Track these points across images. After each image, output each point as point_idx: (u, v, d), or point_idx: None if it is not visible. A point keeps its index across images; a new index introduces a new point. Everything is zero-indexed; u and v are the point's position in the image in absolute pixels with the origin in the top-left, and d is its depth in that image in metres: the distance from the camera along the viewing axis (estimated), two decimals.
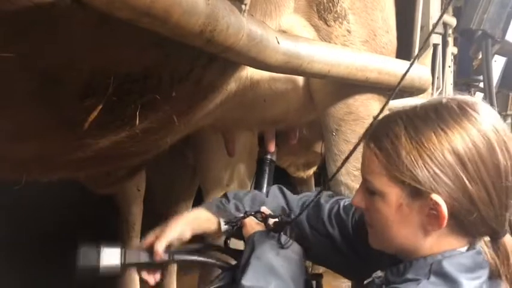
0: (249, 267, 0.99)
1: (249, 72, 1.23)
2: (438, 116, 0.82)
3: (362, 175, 0.90)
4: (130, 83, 0.84)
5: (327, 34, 1.38)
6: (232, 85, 1.20)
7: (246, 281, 0.97)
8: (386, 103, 0.87)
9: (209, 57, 0.93)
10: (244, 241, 1.13)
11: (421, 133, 0.81)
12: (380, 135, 0.86)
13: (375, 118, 0.89)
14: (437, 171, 0.79)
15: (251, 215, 1.15)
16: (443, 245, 0.84)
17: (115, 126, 0.95)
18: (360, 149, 1.43)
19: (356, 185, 1.48)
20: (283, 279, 0.98)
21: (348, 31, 1.42)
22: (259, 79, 1.28)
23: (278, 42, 1.02)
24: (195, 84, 0.99)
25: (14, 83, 0.73)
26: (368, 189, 0.87)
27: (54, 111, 0.84)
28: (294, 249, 1.07)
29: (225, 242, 1.26)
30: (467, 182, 0.80)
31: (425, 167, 0.80)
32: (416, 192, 0.81)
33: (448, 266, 0.81)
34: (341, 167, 1.09)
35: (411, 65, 0.84)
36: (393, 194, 0.83)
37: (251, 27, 0.89)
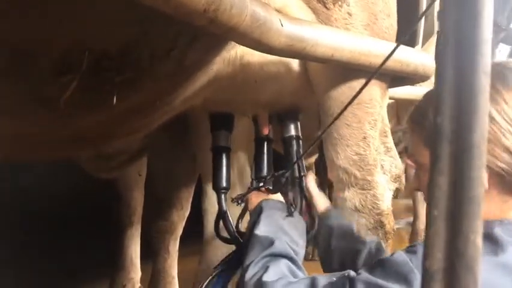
0: (260, 223, 1.07)
1: (238, 52, 1.21)
2: None
3: (409, 154, 0.98)
4: (107, 59, 0.81)
5: (326, 17, 1.35)
6: (219, 65, 1.17)
7: (259, 231, 1.04)
8: (367, 82, 0.89)
9: (192, 36, 0.91)
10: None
11: None
12: (415, 112, 0.95)
13: (354, 97, 0.93)
14: None
15: (254, 189, 1.21)
16: (504, 212, 0.84)
17: (94, 105, 0.92)
18: (358, 137, 1.44)
19: (354, 170, 1.48)
20: (291, 238, 1.06)
21: (349, 14, 1.39)
22: (249, 59, 1.26)
23: (282, 25, 1.01)
24: (177, 63, 0.96)
25: None
26: (416, 166, 0.94)
27: (29, 88, 0.82)
28: (298, 217, 1.18)
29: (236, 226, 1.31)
30: (500, 135, 0.80)
31: None
32: None
33: (500, 231, 0.81)
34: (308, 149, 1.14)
35: (397, 46, 0.83)
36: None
37: (254, 8, 0.88)
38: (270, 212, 1.12)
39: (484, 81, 0.28)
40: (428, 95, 0.95)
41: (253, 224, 1.10)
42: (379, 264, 0.84)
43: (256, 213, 1.13)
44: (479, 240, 0.27)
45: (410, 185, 1.05)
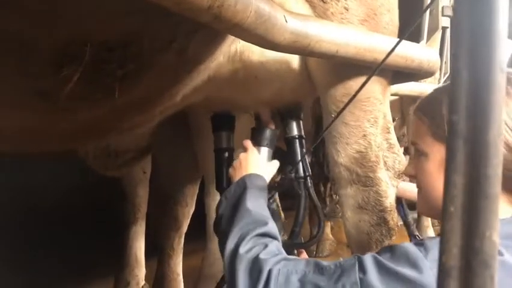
0: (247, 199, 1.10)
1: (238, 47, 1.20)
2: None
3: (412, 141, 0.99)
4: (108, 51, 0.80)
5: (323, 11, 1.33)
6: (220, 59, 1.16)
7: (251, 206, 1.07)
8: (369, 77, 0.88)
9: (192, 27, 0.90)
10: None
11: None
12: (425, 103, 0.97)
13: (357, 91, 0.92)
14: None
15: None
16: None
17: (95, 98, 0.91)
18: (358, 135, 1.41)
19: (356, 167, 1.48)
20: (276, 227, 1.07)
21: (346, 8, 1.37)
22: (249, 55, 1.25)
23: (286, 21, 1.00)
24: (178, 55, 0.95)
25: None
26: (417, 153, 0.96)
27: (30, 81, 0.81)
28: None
29: None
30: (505, 133, 0.82)
31: None
32: None
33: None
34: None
35: (398, 42, 0.82)
36: (437, 150, 0.92)
37: (259, 4, 0.88)
38: (256, 193, 1.14)
39: (500, 79, 0.28)
40: (440, 90, 0.97)
41: (240, 196, 1.12)
42: (387, 250, 0.84)
43: (241, 187, 1.15)
44: (495, 236, 0.27)
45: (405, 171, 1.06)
